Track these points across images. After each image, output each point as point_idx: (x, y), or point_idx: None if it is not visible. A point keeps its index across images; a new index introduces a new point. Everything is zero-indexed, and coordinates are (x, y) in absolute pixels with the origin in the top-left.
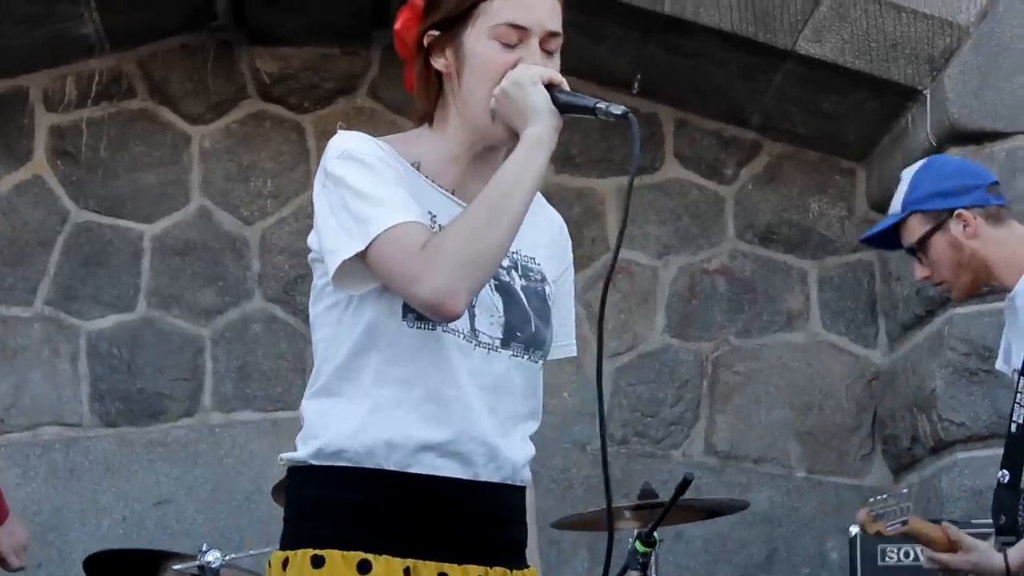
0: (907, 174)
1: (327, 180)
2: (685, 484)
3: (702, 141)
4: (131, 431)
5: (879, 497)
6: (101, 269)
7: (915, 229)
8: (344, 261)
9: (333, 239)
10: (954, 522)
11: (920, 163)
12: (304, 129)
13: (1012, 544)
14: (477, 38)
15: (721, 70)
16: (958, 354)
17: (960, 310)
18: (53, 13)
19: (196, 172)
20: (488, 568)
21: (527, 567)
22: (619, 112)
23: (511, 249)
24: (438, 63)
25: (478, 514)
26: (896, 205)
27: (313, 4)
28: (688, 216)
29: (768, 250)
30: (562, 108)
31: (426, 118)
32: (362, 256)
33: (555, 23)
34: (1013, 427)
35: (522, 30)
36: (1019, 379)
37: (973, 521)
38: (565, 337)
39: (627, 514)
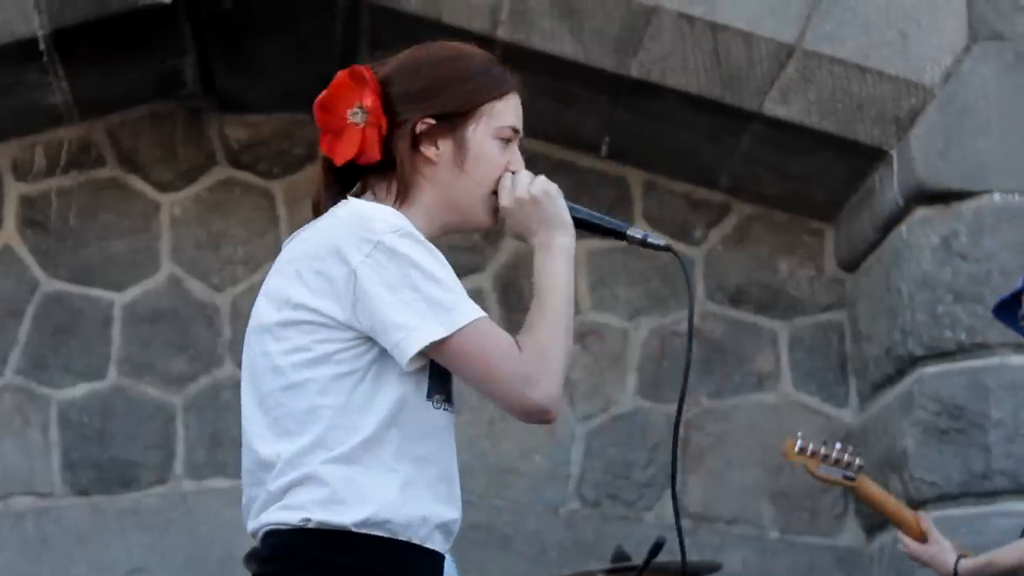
0: None
1: (380, 253)
2: (658, 547)
3: (671, 203)
4: (103, 500)
5: (824, 441)
6: (71, 338)
7: None
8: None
9: (405, 317)
10: None
11: None
12: (274, 195)
13: None
14: (483, 136)
15: (689, 132)
16: (928, 413)
17: (930, 369)
18: (21, 82)
19: (166, 240)
20: None
21: None
22: (659, 244)
23: None
24: (428, 151)
25: None
26: None
27: (282, 71)
28: (658, 278)
29: (738, 311)
30: (583, 225)
31: (400, 197)
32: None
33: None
34: None
35: (516, 133)
36: None
37: None
38: None
39: None
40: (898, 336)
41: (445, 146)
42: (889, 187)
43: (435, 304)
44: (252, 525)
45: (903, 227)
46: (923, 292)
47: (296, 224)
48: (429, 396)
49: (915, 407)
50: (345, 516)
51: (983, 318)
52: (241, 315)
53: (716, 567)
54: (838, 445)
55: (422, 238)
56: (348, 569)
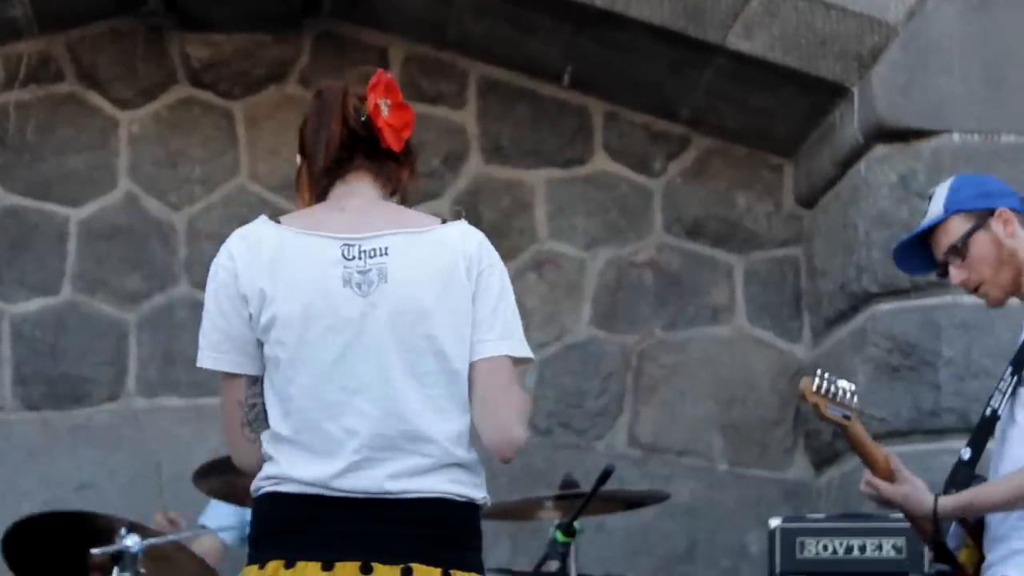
0: (939, 187)
1: (503, 267)
2: (606, 475)
3: (631, 134)
4: (54, 415)
5: (828, 375)
6: (26, 253)
7: (956, 229)
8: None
9: (520, 331)
10: (872, 515)
11: (951, 178)
12: (234, 116)
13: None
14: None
15: (651, 64)
16: (880, 350)
17: (883, 306)
18: None
19: (124, 157)
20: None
21: None
22: None
23: None
24: (408, 164)
25: None
26: (935, 210)
27: None
28: (616, 209)
29: (695, 244)
30: None
31: (394, 192)
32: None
33: None
34: (987, 411)
35: None
36: (1007, 368)
37: (891, 515)
38: None
39: (548, 504)
40: (853, 273)
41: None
42: (849, 124)
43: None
44: (394, 485)
45: (862, 164)
46: (879, 229)
47: (255, 145)
48: None
49: (867, 344)
50: (482, 493)
51: None
52: (197, 234)
53: (663, 497)
54: (843, 384)
55: None
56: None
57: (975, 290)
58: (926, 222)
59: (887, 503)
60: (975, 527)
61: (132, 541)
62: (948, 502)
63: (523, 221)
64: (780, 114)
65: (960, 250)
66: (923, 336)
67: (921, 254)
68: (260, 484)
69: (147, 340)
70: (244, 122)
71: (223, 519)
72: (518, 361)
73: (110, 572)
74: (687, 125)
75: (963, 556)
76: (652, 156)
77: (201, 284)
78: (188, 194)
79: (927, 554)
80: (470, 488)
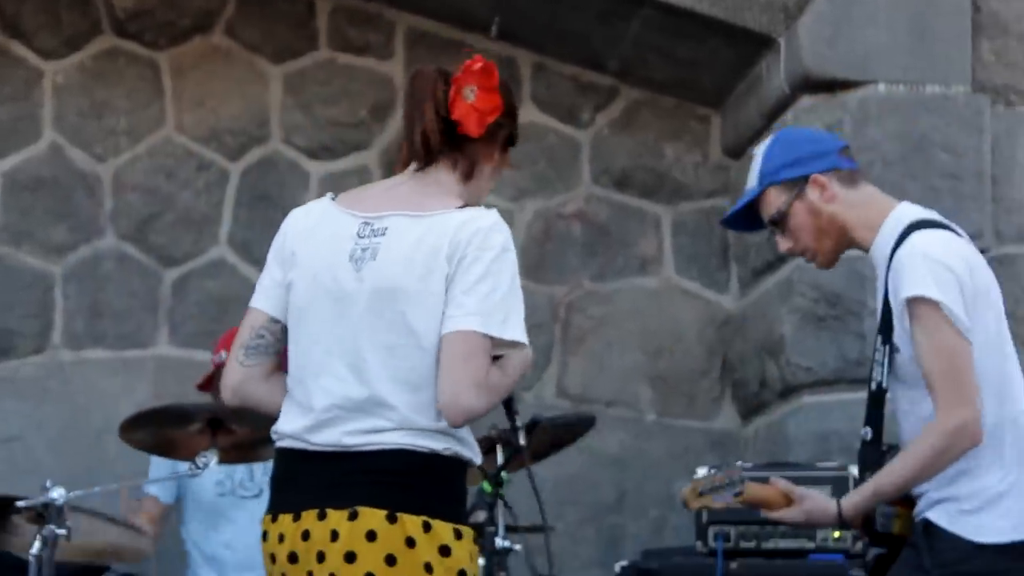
0: (758, 151)
1: (506, 254)
2: (533, 425)
3: (559, 85)
4: None
5: (708, 472)
6: None
7: (773, 201)
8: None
9: (510, 314)
10: (799, 464)
11: (769, 138)
12: (159, 66)
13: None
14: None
15: (579, 15)
16: (807, 300)
17: None
18: None
19: (48, 108)
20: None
21: None
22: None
23: None
24: (491, 149)
25: None
26: (752, 182)
27: None
28: (544, 160)
29: (623, 195)
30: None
31: (468, 176)
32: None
33: None
34: (873, 385)
35: None
36: (877, 338)
37: (818, 464)
38: None
39: None
40: None
41: (498, 157)
42: (776, 75)
43: (520, 318)
44: (351, 440)
45: (788, 115)
46: None
47: (181, 96)
48: None
49: (794, 294)
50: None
51: None
52: (123, 186)
53: (589, 421)
54: (715, 472)
55: None
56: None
57: (802, 255)
58: (743, 198)
59: (798, 527)
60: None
61: (57, 494)
62: (851, 501)
63: None
64: (707, 65)
65: (779, 222)
66: (848, 286)
67: (750, 217)
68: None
69: (73, 292)
70: (170, 73)
71: (157, 474)
72: (503, 343)
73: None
74: (615, 76)
75: (897, 527)
76: (580, 107)
77: (127, 236)
78: (113, 145)
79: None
80: (430, 441)
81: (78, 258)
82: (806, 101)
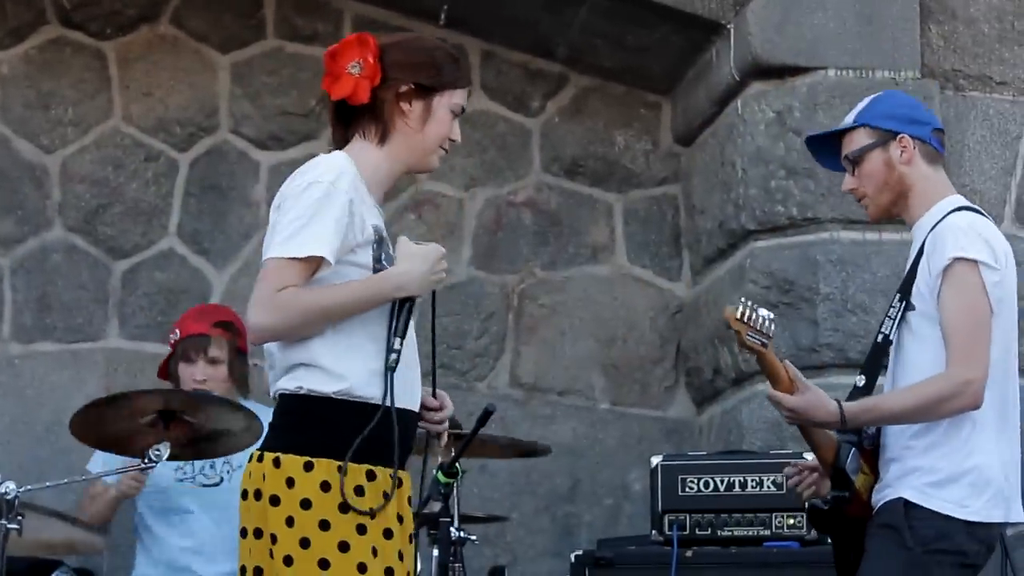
0: (866, 99)
1: (308, 189)
2: (487, 415)
3: (509, 73)
4: None
5: (751, 303)
6: None
7: (858, 140)
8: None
9: (291, 233)
10: (754, 452)
11: (884, 91)
12: (106, 56)
13: (854, 444)
14: (443, 108)
15: (527, 2)
16: (759, 287)
17: (761, 243)
18: None
19: None
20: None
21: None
22: None
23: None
24: (404, 106)
25: None
26: (849, 117)
27: None
28: (494, 148)
29: (574, 183)
30: None
31: (382, 138)
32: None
33: None
34: (879, 337)
35: (462, 112)
36: (895, 296)
37: (772, 452)
38: None
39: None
40: (731, 210)
41: (418, 106)
42: (725, 61)
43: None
44: (272, 389)
45: (738, 102)
46: (756, 167)
47: (128, 86)
48: None
49: (746, 281)
50: None
51: (814, 193)
52: (71, 177)
53: (545, 450)
54: (764, 312)
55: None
56: None
57: (860, 199)
58: (837, 126)
59: (791, 413)
60: (870, 453)
61: (8, 488)
62: (851, 407)
63: None
64: (656, 52)
65: (854, 161)
66: (801, 273)
67: (832, 150)
68: None
69: (21, 285)
70: (116, 63)
71: (108, 464)
72: (292, 261)
73: None
74: (564, 64)
75: (859, 482)
76: (529, 95)
77: (75, 228)
78: (61, 136)
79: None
80: (287, 382)
81: (26, 250)
82: (756, 87)
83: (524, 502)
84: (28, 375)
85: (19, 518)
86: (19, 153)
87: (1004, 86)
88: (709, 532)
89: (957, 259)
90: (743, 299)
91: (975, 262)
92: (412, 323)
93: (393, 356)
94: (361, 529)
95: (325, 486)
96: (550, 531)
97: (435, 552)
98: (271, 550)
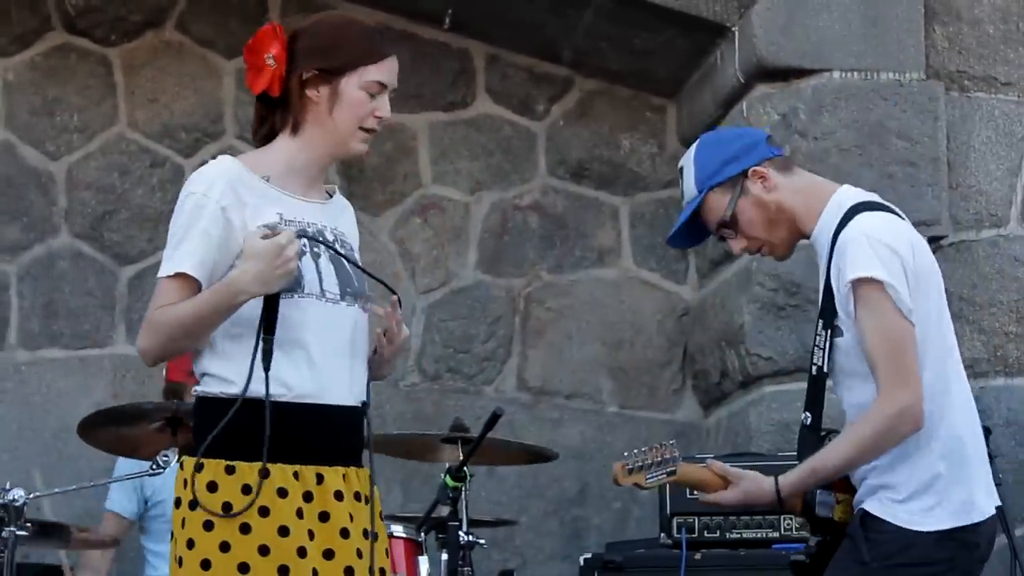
0: (686, 162)
1: (183, 201)
2: (494, 418)
3: (514, 77)
4: None
5: (639, 449)
6: None
7: (717, 206)
8: None
9: (174, 249)
10: (761, 454)
11: (692, 147)
12: (111, 63)
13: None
14: (354, 88)
15: (532, 5)
16: (766, 289)
17: None
18: None
19: (0, 106)
20: (346, 468)
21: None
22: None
23: (333, 226)
24: (313, 93)
25: None
26: (690, 192)
27: None
28: (500, 152)
29: (580, 186)
30: None
31: (270, 128)
32: None
33: (395, 83)
34: (813, 369)
35: (383, 87)
36: (818, 323)
37: (779, 454)
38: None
39: (439, 448)
40: None
41: (325, 91)
42: (730, 64)
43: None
44: None
45: (743, 104)
46: None
47: (134, 92)
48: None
49: (752, 284)
50: None
51: None
52: (77, 183)
53: (553, 456)
54: (651, 451)
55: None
56: None
57: (758, 251)
58: (687, 209)
59: (732, 508)
60: (841, 480)
61: (16, 495)
62: (788, 479)
63: (407, 166)
64: (662, 55)
65: (729, 223)
66: (807, 275)
67: (693, 228)
68: None
69: (28, 292)
70: (122, 69)
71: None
72: (168, 280)
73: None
74: (569, 67)
75: (838, 513)
76: (535, 98)
77: (81, 234)
78: (66, 143)
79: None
80: (202, 386)
81: (32, 257)
82: (761, 90)
83: (533, 506)
84: (35, 382)
85: (27, 525)
86: (25, 160)
87: (1009, 87)
88: (717, 534)
89: (858, 280)
90: (624, 453)
91: (879, 282)
92: (358, 310)
93: (259, 354)
94: (245, 528)
95: (212, 486)
96: (559, 534)
97: (444, 556)
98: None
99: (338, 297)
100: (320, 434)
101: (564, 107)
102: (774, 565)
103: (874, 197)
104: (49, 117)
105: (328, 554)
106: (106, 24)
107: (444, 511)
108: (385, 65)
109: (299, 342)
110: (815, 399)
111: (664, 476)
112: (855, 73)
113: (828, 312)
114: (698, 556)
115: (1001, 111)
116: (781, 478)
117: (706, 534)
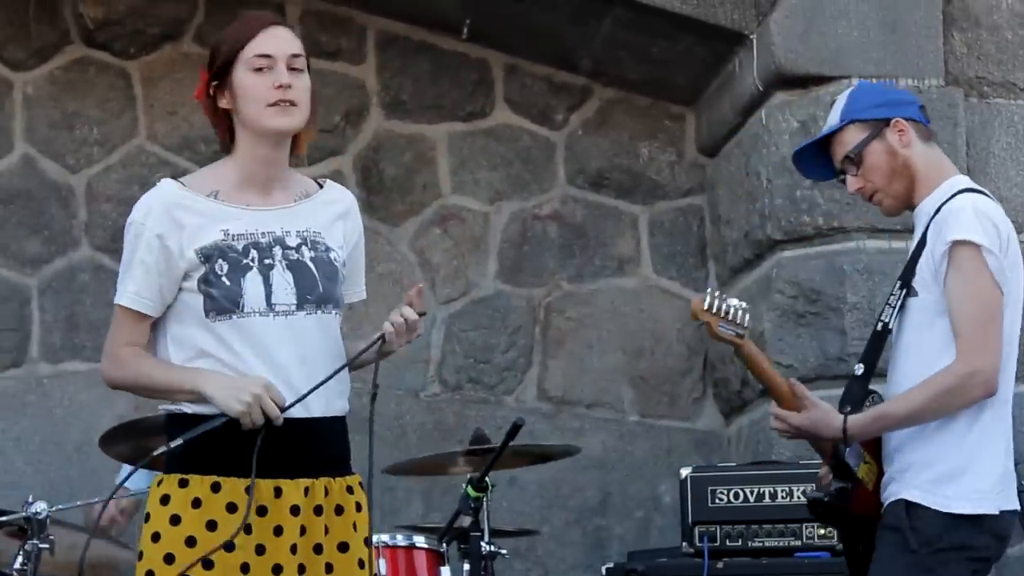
0: (840, 95)
1: (127, 228)
2: (516, 428)
3: (532, 86)
4: None
5: (719, 293)
6: None
7: (852, 138)
8: None
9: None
10: (783, 462)
11: (856, 85)
12: (130, 75)
13: None
14: (243, 74)
15: (551, 15)
16: (786, 297)
17: (787, 253)
18: None
19: (19, 119)
20: (314, 480)
21: (350, 474)
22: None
23: (301, 227)
24: (223, 103)
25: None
26: (834, 118)
27: None
28: (519, 162)
29: (599, 195)
30: None
31: (226, 149)
32: None
33: (296, 47)
34: (879, 325)
35: (269, 57)
36: (896, 283)
37: (801, 462)
38: (359, 286)
39: (460, 460)
40: (757, 220)
41: (228, 94)
42: (749, 72)
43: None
44: None
45: (762, 112)
46: (782, 176)
47: (153, 105)
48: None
49: (773, 291)
50: None
51: (840, 202)
52: (96, 196)
53: (575, 451)
54: (734, 302)
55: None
56: None
57: (870, 198)
58: (823, 131)
59: (796, 432)
60: (872, 443)
61: (39, 508)
62: (856, 420)
63: (426, 176)
64: (680, 63)
65: (854, 159)
66: (828, 282)
67: (821, 161)
68: None
69: (50, 305)
70: (141, 82)
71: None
72: (123, 309)
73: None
74: (588, 76)
75: (862, 472)
76: (554, 108)
77: (102, 247)
78: (86, 156)
79: (822, 471)
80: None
81: (53, 270)
82: (780, 97)
83: (554, 515)
84: (57, 395)
85: (50, 537)
86: (45, 173)
87: None
88: (740, 543)
89: (959, 242)
90: (710, 289)
91: (978, 246)
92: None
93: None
94: (190, 542)
95: (164, 499)
96: (581, 544)
97: (466, 566)
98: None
99: (293, 308)
100: (276, 448)
101: (583, 116)
102: (797, 574)
103: (985, 190)
104: (69, 131)
105: (276, 569)
106: (125, 37)
107: (466, 521)
108: (262, 37)
109: (243, 363)
110: (872, 353)
111: (733, 335)
112: (874, 79)
113: (908, 274)
114: (720, 565)
115: (1021, 116)
116: (850, 418)
117: (728, 543)
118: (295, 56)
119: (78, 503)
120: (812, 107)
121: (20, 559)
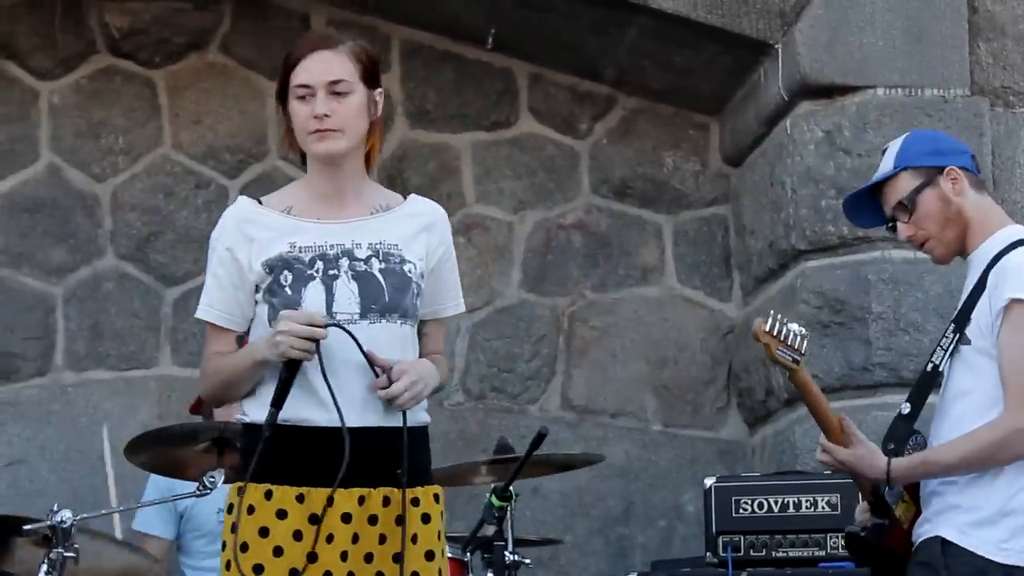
0: (893, 142)
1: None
2: (540, 438)
3: (556, 96)
4: None
5: (781, 317)
6: None
7: (906, 185)
8: None
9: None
10: (807, 472)
11: (909, 133)
12: (155, 84)
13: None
14: (292, 102)
15: (574, 24)
16: (811, 307)
17: (812, 263)
18: None
19: (45, 128)
20: (371, 489)
21: (421, 485)
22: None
23: (374, 240)
24: (288, 121)
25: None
26: (887, 165)
27: None
28: (543, 171)
29: (623, 204)
30: None
31: (302, 158)
32: None
33: (335, 72)
34: (928, 366)
35: (307, 87)
36: (950, 326)
37: (825, 472)
38: (451, 299)
39: (483, 469)
40: (781, 230)
41: (289, 116)
42: (774, 81)
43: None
44: None
45: (787, 121)
46: (806, 186)
47: (178, 114)
48: None
49: (797, 301)
50: None
51: None
52: (122, 205)
53: (598, 459)
54: (794, 328)
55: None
56: None
57: (921, 246)
58: (876, 176)
59: (841, 467)
60: (911, 485)
61: (64, 516)
62: (901, 464)
63: (450, 185)
64: (705, 72)
65: (908, 206)
66: (853, 292)
67: (871, 207)
68: None
69: (74, 313)
70: (166, 91)
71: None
72: (207, 324)
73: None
74: (612, 85)
75: (899, 510)
76: (578, 117)
77: (127, 255)
78: (111, 165)
79: (860, 507)
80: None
81: (78, 279)
82: (805, 107)
83: (578, 524)
84: (82, 403)
85: (75, 546)
86: (70, 182)
87: None
88: (764, 553)
89: (1017, 300)
90: (773, 312)
91: None
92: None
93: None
94: (244, 547)
95: (230, 508)
96: (604, 553)
97: (489, 575)
98: None
99: (356, 316)
100: (317, 456)
101: (607, 125)
102: None
103: None
104: (94, 139)
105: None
106: (150, 46)
107: (489, 530)
108: (301, 68)
109: (303, 370)
110: (920, 394)
111: (790, 360)
112: (899, 90)
113: (962, 319)
114: (744, 575)
115: None
116: (894, 461)
117: (752, 553)
118: (334, 82)
119: (103, 511)
120: (837, 117)
121: (45, 568)
